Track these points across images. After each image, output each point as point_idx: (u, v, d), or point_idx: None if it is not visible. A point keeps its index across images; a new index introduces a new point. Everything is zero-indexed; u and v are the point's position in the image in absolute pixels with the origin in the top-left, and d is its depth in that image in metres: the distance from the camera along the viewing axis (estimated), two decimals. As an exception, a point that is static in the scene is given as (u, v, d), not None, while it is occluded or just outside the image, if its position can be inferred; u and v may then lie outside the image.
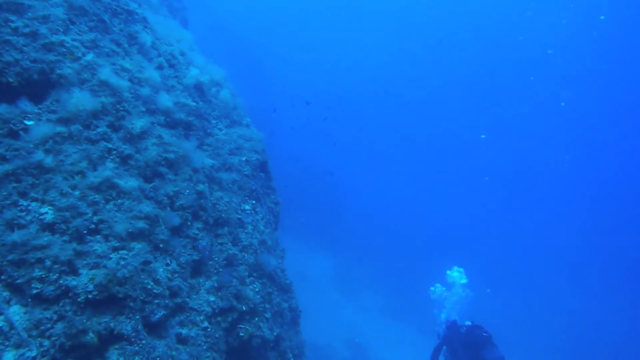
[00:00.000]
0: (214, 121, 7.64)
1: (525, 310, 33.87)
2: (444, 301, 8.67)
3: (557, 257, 42.59)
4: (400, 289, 29.09)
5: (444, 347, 7.35)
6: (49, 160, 4.42)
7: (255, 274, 6.32)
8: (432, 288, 9.11)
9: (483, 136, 50.65)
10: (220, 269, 5.79)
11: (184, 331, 5.00)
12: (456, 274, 9.10)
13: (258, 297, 6.12)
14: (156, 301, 4.57)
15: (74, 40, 5.33)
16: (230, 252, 6.06)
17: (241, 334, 5.68)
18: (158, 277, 4.69)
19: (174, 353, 4.63)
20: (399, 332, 26.41)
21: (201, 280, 5.59)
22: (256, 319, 5.90)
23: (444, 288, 9.01)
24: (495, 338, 6.73)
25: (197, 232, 5.65)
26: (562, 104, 48.86)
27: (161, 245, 5.01)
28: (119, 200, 4.80)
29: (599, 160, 50.09)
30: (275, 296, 6.75)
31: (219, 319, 5.49)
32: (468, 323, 7.19)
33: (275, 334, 6.33)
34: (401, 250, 32.75)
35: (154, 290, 4.56)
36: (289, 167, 28.82)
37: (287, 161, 28.93)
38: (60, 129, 4.71)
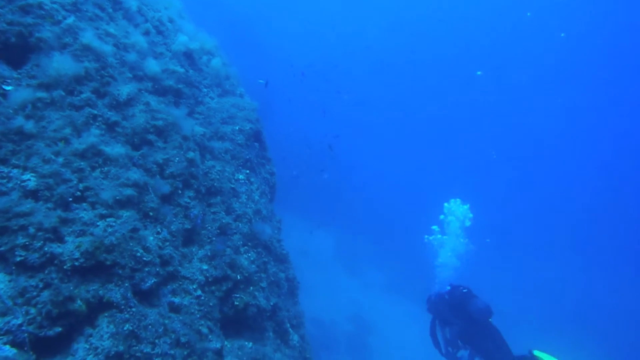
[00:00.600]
0: (205, 90, 7.44)
1: (524, 263, 34.15)
2: (443, 247, 8.44)
3: (562, 210, 42.71)
4: (403, 265, 29.18)
5: (436, 322, 7.27)
6: (29, 126, 4.27)
7: (250, 244, 6.22)
8: (427, 237, 8.86)
9: (479, 72, 49.55)
10: (214, 238, 5.69)
11: (177, 300, 4.92)
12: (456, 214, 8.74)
13: (253, 266, 6.03)
14: (146, 269, 4.47)
15: (54, 2, 5.11)
16: (223, 221, 5.94)
17: (236, 303, 5.61)
18: (148, 245, 4.59)
19: (166, 321, 4.55)
20: (402, 307, 26.58)
21: (194, 249, 5.49)
22: (251, 288, 5.82)
23: (441, 236, 8.74)
24: (475, 290, 6.70)
25: (188, 200, 5.53)
26: (562, 34, 47.22)
27: (151, 214, 4.89)
28: (106, 168, 4.66)
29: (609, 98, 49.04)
30: (271, 266, 6.66)
31: (212, 287, 5.41)
32: (448, 288, 7.11)
33: (272, 304, 6.27)
34: (404, 226, 32.77)
35: (144, 258, 4.46)
36: (288, 142, 28.54)
37: (285, 135, 28.62)
38: (41, 94, 4.54)
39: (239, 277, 5.69)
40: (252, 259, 6.09)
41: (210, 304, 5.17)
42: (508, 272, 32.02)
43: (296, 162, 28.05)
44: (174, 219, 5.23)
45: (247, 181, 6.88)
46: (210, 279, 5.35)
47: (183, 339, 4.62)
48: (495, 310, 6.20)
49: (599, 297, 32.38)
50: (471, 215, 8.78)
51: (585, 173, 49.41)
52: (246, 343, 5.70)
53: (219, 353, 5.01)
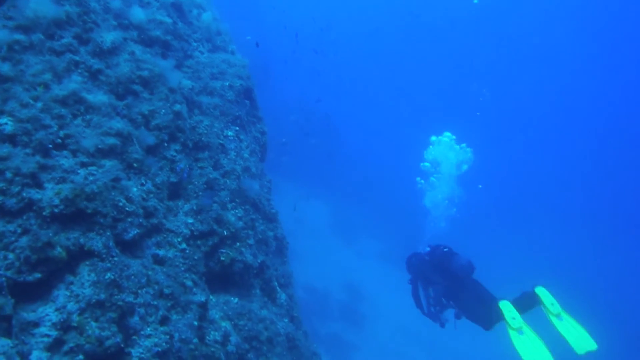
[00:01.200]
0: (194, 44, 7.23)
1: (518, 209, 34.25)
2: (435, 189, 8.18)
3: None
4: (398, 234, 29.32)
5: (418, 283, 7.31)
6: (6, 69, 4.11)
7: (237, 200, 6.15)
8: (419, 179, 8.61)
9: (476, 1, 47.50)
10: (200, 193, 5.61)
11: (161, 252, 4.88)
12: (446, 140, 8.31)
13: (240, 223, 5.98)
14: (129, 219, 4.41)
15: (33, -59, 4.86)
16: (210, 176, 5.85)
17: (222, 259, 5.58)
18: (131, 195, 4.51)
19: (150, 273, 4.52)
20: (396, 277, 26.94)
21: (180, 203, 5.42)
22: (238, 244, 5.79)
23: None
24: (456, 248, 6.73)
25: (174, 154, 5.42)
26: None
27: (135, 165, 4.79)
28: (88, 116, 4.53)
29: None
30: (259, 224, 6.62)
31: (198, 242, 5.36)
32: (427, 249, 7.13)
33: (259, 261, 6.25)
34: (400, 196, 32.74)
35: (127, 209, 4.38)
36: (283, 105, 28.19)
37: (280, 99, 28.20)
38: (19, 36, 4.36)
39: (225, 233, 5.64)
40: (239, 215, 6.04)
41: (195, 258, 5.14)
42: (499, 225, 32.11)
43: (290, 126, 27.83)
44: (159, 172, 5.14)
45: (236, 138, 6.76)
46: (195, 233, 5.30)
47: (167, 291, 4.60)
48: (478, 266, 6.24)
49: (601, 262, 32.69)
50: (469, 152, 8.33)
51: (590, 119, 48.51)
52: (232, 298, 5.70)
53: (203, 306, 5.00)
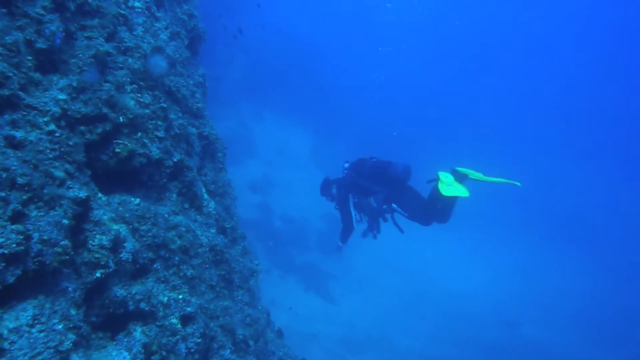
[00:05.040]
0: None
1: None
2: None
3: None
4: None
5: (349, 202, 7.23)
6: None
7: (142, 84, 4.95)
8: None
9: None
10: (86, 68, 4.41)
11: (19, 134, 3.74)
12: None
13: (146, 111, 4.83)
14: (-47, 81, 3.25)
15: None
16: (101, 49, 4.61)
17: (117, 150, 4.49)
18: (-43, 50, 3.32)
19: (-3, 157, 3.42)
20: (375, 206, 26.66)
21: (54, 78, 4.23)
22: (140, 134, 4.67)
23: None
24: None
25: (42, 12, 4.15)
26: None
27: (-29, 15, 3.56)
28: None
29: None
30: (176, 117, 5.47)
31: (82, 127, 4.24)
32: (346, 165, 7.19)
33: (174, 160, 5.17)
34: (385, 129, 32.09)
35: (-52, 65, 3.21)
36: (273, 42, 26.81)
37: (269, 35, 26.64)
38: None
39: (121, 120, 4.50)
40: (146, 102, 4.87)
41: (70, 144, 4.02)
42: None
43: (280, 61, 26.40)
44: (16, 32, 3.90)
45: (147, 12, 5.45)
46: (73, 114, 4.15)
47: (21, 180, 3.51)
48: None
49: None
50: None
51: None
52: (132, 199, 4.67)
53: (82, 204, 3.95)
